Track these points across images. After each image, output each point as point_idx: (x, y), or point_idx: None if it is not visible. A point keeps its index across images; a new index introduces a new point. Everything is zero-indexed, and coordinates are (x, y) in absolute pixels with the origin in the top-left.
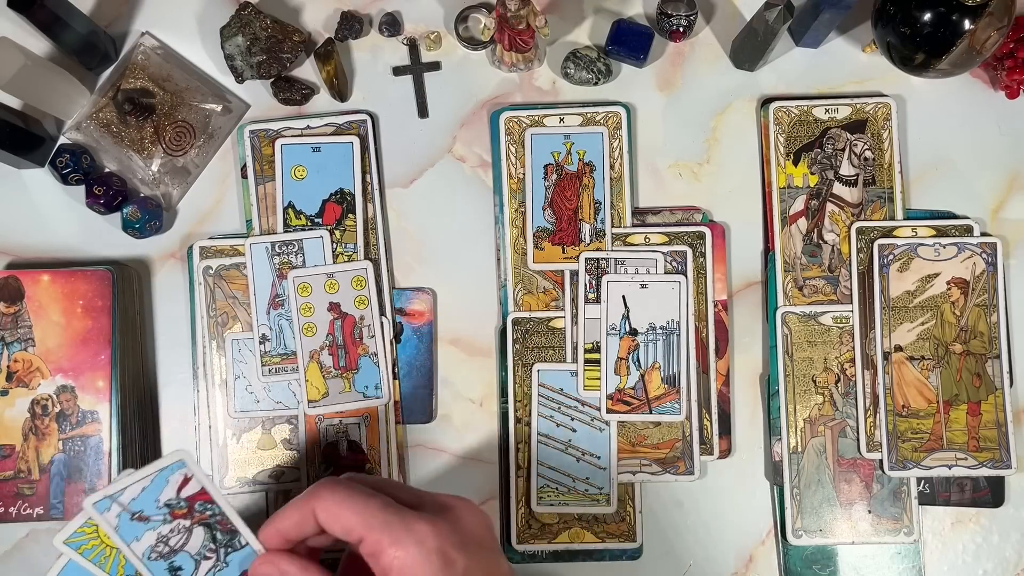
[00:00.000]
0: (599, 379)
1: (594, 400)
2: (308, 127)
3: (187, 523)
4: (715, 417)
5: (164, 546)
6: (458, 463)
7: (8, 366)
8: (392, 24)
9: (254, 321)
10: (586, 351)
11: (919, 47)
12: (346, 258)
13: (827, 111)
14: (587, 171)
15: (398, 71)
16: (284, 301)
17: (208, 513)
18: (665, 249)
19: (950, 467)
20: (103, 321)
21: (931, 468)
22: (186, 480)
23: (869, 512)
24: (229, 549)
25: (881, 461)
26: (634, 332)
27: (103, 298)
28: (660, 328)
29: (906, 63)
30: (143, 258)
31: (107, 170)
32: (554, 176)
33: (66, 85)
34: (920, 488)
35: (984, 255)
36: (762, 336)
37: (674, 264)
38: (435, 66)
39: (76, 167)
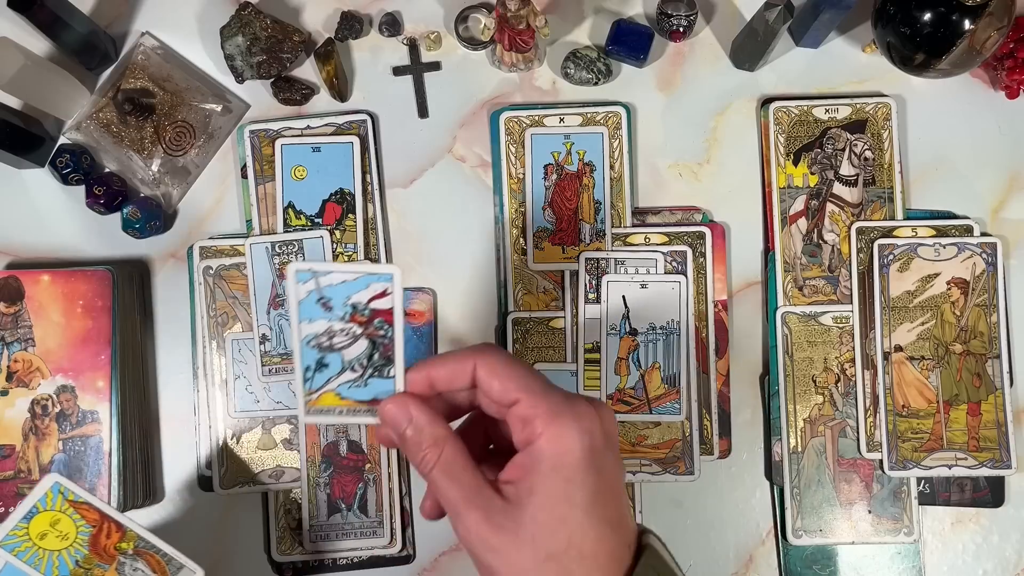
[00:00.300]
0: (599, 379)
1: None
2: (308, 127)
3: (359, 331)
4: (715, 417)
5: (327, 340)
6: None
7: (8, 366)
8: (392, 24)
9: (254, 321)
10: (586, 351)
11: (919, 47)
12: (346, 258)
13: (827, 111)
14: (587, 171)
15: (398, 71)
16: (284, 301)
17: (380, 332)
18: (665, 249)
19: (950, 467)
20: (103, 321)
21: (931, 468)
22: (383, 294)
23: (869, 512)
24: (375, 373)
25: (881, 461)
26: (634, 332)
27: (103, 298)
28: (660, 328)
29: (906, 63)
30: (143, 258)
31: (107, 170)
32: (554, 176)
33: (66, 85)
34: (920, 488)
35: (984, 255)
36: (762, 336)
37: (674, 264)
38: (435, 66)
39: (76, 167)
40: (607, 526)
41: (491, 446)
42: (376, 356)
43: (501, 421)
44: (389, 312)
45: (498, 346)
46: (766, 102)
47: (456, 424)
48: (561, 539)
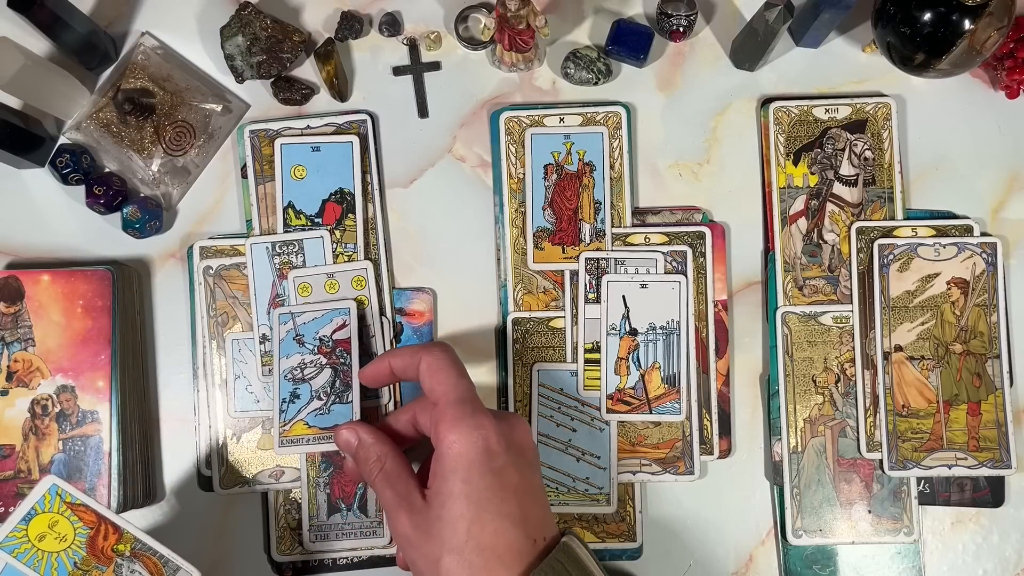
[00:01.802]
0: (599, 379)
1: (594, 400)
2: (308, 127)
3: (324, 361)
4: (715, 417)
5: (300, 372)
6: None
7: (8, 366)
8: (392, 24)
9: (254, 321)
10: (586, 351)
11: (919, 47)
12: (346, 258)
13: (827, 111)
14: (587, 171)
15: (398, 71)
16: (284, 301)
17: (341, 360)
18: (665, 249)
19: (950, 467)
20: (103, 321)
21: (931, 468)
22: (343, 325)
23: (869, 512)
24: (337, 400)
25: (881, 461)
26: (634, 332)
27: (103, 298)
28: (660, 328)
29: (906, 63)
30: (143, 258)
31: (107, 170)
32: (554, 176)
33: (66, 85)
34: (920, 488)
35: (984, 255)
36: (762, 336)
37: (674, 264)
38: (435, 66)
39: (76, 167)
40: (506, 521)
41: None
42: (337, 383)
43: None
44: (347, 342)
45: (447, 347)
46: (766, 102)
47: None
48: (460, 533)
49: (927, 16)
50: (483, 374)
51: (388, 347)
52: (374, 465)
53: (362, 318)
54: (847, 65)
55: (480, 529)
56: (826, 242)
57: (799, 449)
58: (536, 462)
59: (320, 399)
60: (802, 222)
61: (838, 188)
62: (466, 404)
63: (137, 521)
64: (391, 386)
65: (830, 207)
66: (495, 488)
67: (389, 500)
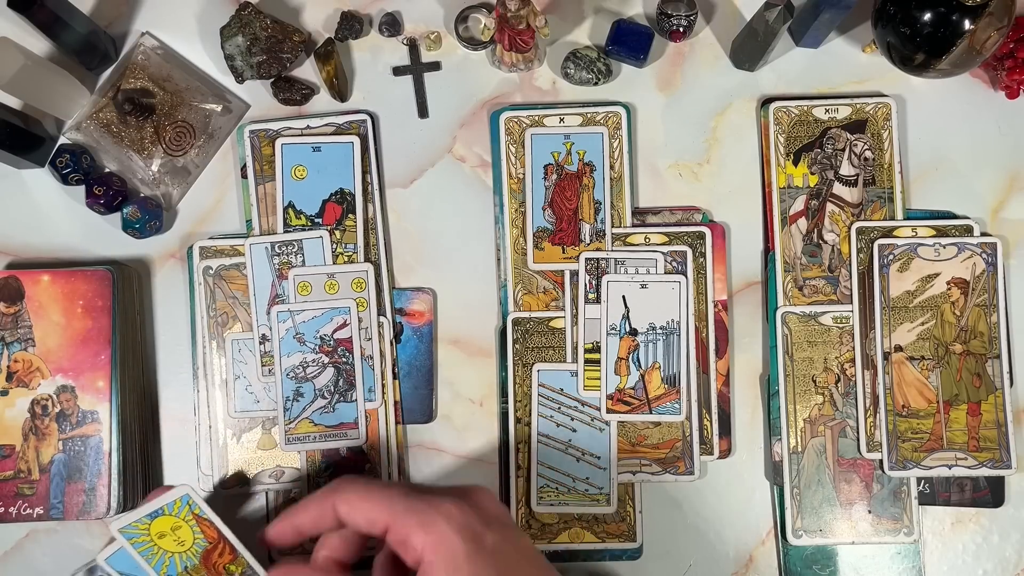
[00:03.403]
0: (599, 379)
1: (594, 400)
2: (308, 127)
3: (326, 360)
4: (715, 417)
5: (302, 371)
6: (458, 463)
7: (8, 366)
8: (392, 24)
9: (254, 321)
10: (586, 351)
11: (919, 47)
12: (346, 258)
13: (827, 111)
14: (587, 171)
15: (398, 71)
16: (284, 301)
17: (343, 360)
18: (665, 249)
19: (950, 467)
20: (103, 321)
21: (931, 468)
22: (343, 324)
23: (869, 512)
24: (341, 399)
25: (881, 461)
26: (634, 332)
27: (103, 298)
28: (660, 328)
29: (906, 63)
30: (143, 258)
31: (107, 170)
32: (554, 176)
33: (66, 85)
34: (920, 488)
35: (984, 255)
36: (762, 336)
37: (674, 264)
38: (435, 66)
39: (76, 167)
40: None
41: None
42: (341, 382)
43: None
44: (349, 340)
45: (352, 477)
46: (766, 102)
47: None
48: None
49: (927, 16)
50: (483, 374)
51: (388, 348)
52: None
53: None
54: (847, 65)
55: None
56: (826, 242)
57: (799, 449)
58: (517, 527)
59: (324, 397)
60: (802, 222)
61: (838, 188)
62: (417, 503)
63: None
64: (383, 386)
65: (830, 207)
66: (498, 570)
67: None
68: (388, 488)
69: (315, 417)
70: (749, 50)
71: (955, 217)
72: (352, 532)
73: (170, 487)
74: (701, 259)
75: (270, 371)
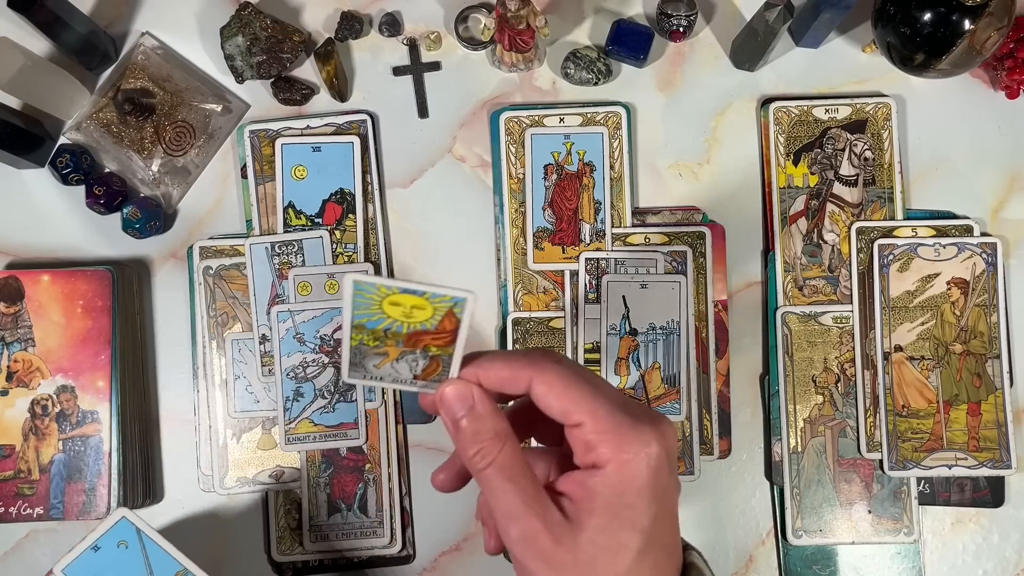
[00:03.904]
0: None
1: None
2: (308, 127)
3: (326, 360)
4: (715, 417)
5: (302, 371)
6: None
7: (8, 366)
8: (392, 24)
9: (254, 321)
10: (586, 351)
11: (919, 47)
12: (346, 258)
13: (827, 111)
14: (587, 171)
15: (398, 71)
16: (284, 301)
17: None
18: (665, 249)
19: (950, 467)
20: (103, 321)
21: (931, 468)
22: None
23: (869, 512)
24: (341, 399)
25: (881, 461)
26: (634, 332)
27: (103, 298)
28: (660, 328)
29: (906, 63)
30: (143, 258)
31: (107, 170)
32: (554, 176)
33: (66, 85)
34: (920, 488)
35: (984, 255)
36: (762, 336)
37: (674, 264)
38: (435, 66)
39: (76, 167)
40: (663, 552)
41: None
42: (340, 382)
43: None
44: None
45: (559, 356)
46: (766, 102)
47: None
48: (621, 565)
49: (927, 16)
50: None
51: None
52: (488, 446)
53: None
54: (847, 65)
55: (640, 563)
56: (826, 242)
57: (799, 449)
58: (676, 474)
59: (324, 397)
60: (802, 222)
61: (838, 188)
62: (620, 415)
63: (137, 521)
64: (384, 391)
65: (830, 207)
66: (660, 516)
67: (512, 502)
68: (597, 387)
69: (315, 417)
70: (749, 50)
71: (955, 217)
72: (524, 386)
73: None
74: (701, 259)
75: (270, 371)
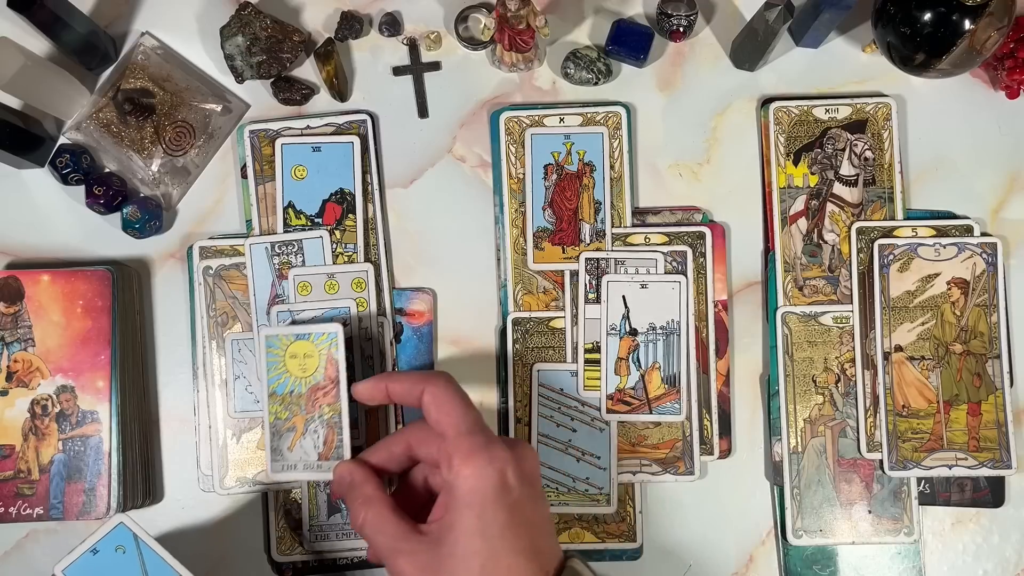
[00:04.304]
0: (599, 379)
1: (594, 400)
2: (308, 127)
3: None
4: (715, 417)
5: None
6: None
7: (8, 366)
8: (392, 24)
9: (254, 321)
10: (586, 351)
11: (919, 47)
12: (346, 258)
13: (827, 111)
14: (587, 171)
15: (398, 71)
16: (284, 301)
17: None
18: (665, 249)
19: (950, 467)
20: (103, 321)
21: (931, 468)
22: (343, 324)
23: (869, 512)
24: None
25: (881, 461)
26: (634, 332)
27: (103, 298)
28: (660, 328)
29: (906, 63)
30: (143, 258)
31: (107, 170)
32: (554, 176)
33: (66, 85)
34: (920, 488)
35: (984, 255)
36: (762, 336)
37: (674, 264)
38: (435, 66)
39: (76, 167)
40: (519, 556)
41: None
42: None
43: (437, 472)
44: (349, 341)
45: (450, 378)
46: (766, 102)
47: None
48: (474, 569)
49: (927, 16)
50: (483, 374)
51: (388, 348)
52: (360, 509)
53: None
54: (847, 65)
55: (494, 566)
56: (826, 242)
57: (799, 449)
58: (542, 491)
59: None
60: (802, 222)
61: (838, 188)
62: (478, 435)
63: (138, 522)
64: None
65: (830, 207)
66: (510, 524)
67: (382, 547)
68: (469, 407)
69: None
70: (749, 50)
71: (955, 217)
72: (401, 452)
73: (330, 321)
74: (701, 259)
75: None
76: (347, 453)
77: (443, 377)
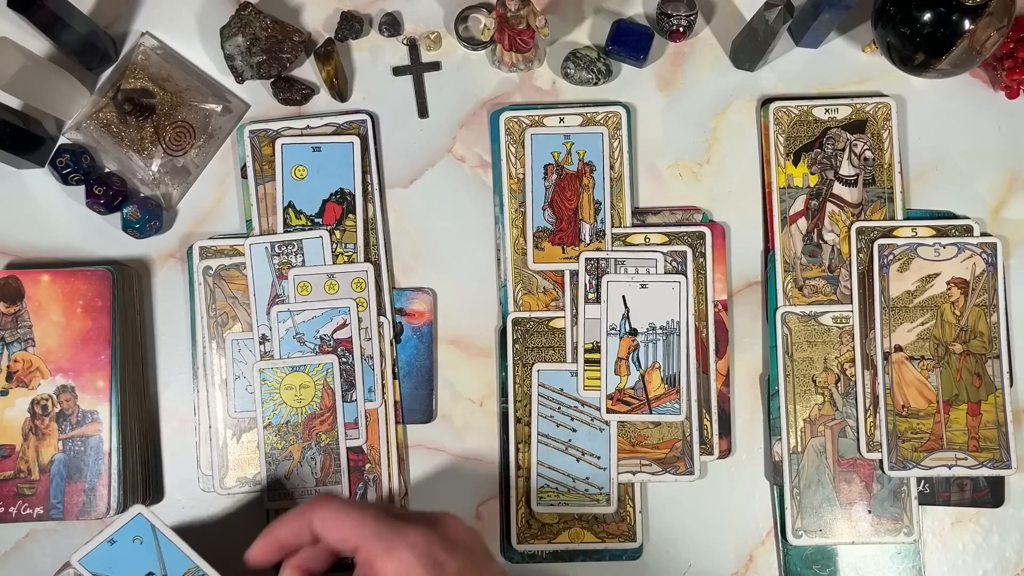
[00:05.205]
0: (599, 379)
1: (594, 400)
2: (308, 127)
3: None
4: (715, 417)
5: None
6: (458, 463)
7: (8, 366)
8: (392, 24)
9: (254, 321)
10: (586, 351)
11: (919, 47)
12: (346, 258)
13: (827, 111)
14: (587, 171)
15: (398, 71)
16: (284, 301)
17: (343, 360)
18: (665, 249)
19: (950, 467)
20: (103, 321)
21: (931, 468)
22: (343, 325)
23: (869, 512)
24: (341, 399)
25: (881, 461)
26: (634, 332)
27: (103, 298)
28: (660, 328)
29: (906, 63)
30: (143, 258)
31: (107, 170)
32: (554, 176)
33: (66, 85)
34: (920, 488)
35: (984, 255)
36: (762, 336)
37: (674, 264)
38: (435, 66)
39: (76, 167)
40: None
41: None
42: (341, 382)
43: None
44: (349, 341)
45: (332, 496)
46: (766, 102)
47: None
48: None
49: (927, 16)
50: (483, 374)
51: (388, 348)
52: None
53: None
54: (847, 65)
55: None
56: (826, 242)
57: (799, 449)
58: (487, 551)
59: None
60: (802, 222)
61: (838, 188)
62: (385, 529)
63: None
64: (383, 386)
65: (830, 207)
66: None
67: None
68: (362, 511)
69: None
70: (749, 50)
71: (955, 217)
72: (324, 548)
73: (324, 353)
74: (701, 259)
75: None
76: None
77: (325, 500)
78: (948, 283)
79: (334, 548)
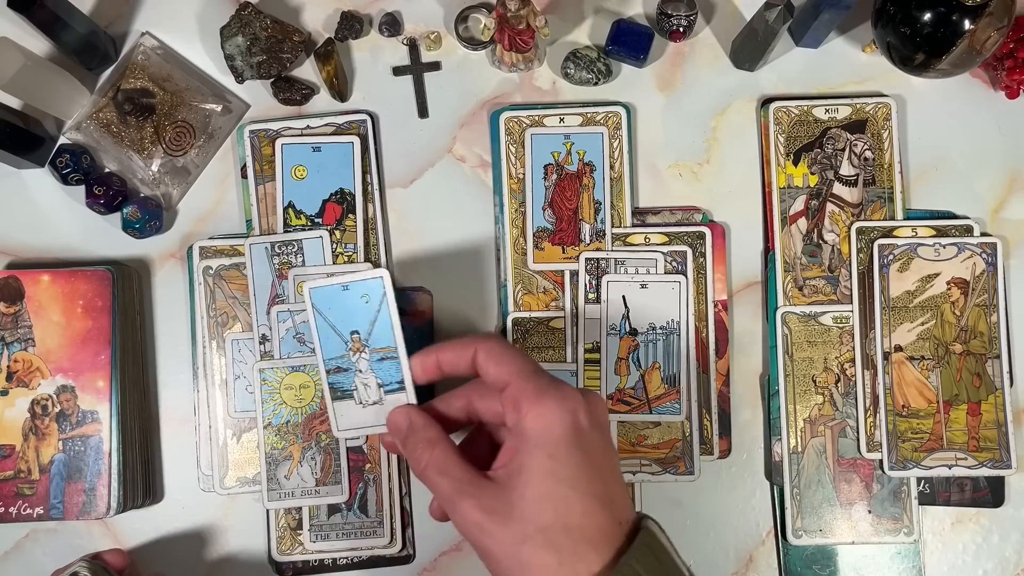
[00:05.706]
0: (599, 379)
1: None
2: (308, 127)
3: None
4: (715, 417)
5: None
6: None
7: (8, 366)
8: (392, 24)
9: (254, 321)
10: (586, 351)
11: (919, 47)
12: (346, 258)
13: (827, 111)
14: (587, 171)
15: (398, 71)
16: (284, 301)
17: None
18: (665, 249)
19: (950, 467)
20: (103, 321)
21: (931, 468)
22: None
23: (869, 512)
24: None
25: (881, 461)
26: (634, 332)
27: (103, 298)
28: (660, 328)
29: (906, 63)
30: (143, 258)
31: (107, 170)
32: (554, 176)
33: (66, 85)
34: (920, 488)
35: (984, 255)
36: (762, 336)
37: (674, 264)
38: (435, 66)
39: (76, 167)
40: (595, 501)
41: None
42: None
43: (501, 428)
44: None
45: (499, 335)
46: (766, 102)
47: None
48: (547, 513)
49: (927, 16)
50: None
51: None
52: (422, 452)
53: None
54: (847, 65)
55: (568, 509)
56: (826, 242)
57: (799, 449)
58: (612, 442)
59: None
60: (802, 222)
61: (838, 188)
62: (543, 377)
63: (138, 522)
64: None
65: (830, 207)
66: (584, 466)
67: (447, 489)
68: (524, 355)
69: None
70: (749, 50)
71: (955, 217)
72: (460, 397)
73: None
74: (701, 259)
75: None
76: (411, 397)
77: (492, 335)
78: (948, 283)
79: (488, 379)
